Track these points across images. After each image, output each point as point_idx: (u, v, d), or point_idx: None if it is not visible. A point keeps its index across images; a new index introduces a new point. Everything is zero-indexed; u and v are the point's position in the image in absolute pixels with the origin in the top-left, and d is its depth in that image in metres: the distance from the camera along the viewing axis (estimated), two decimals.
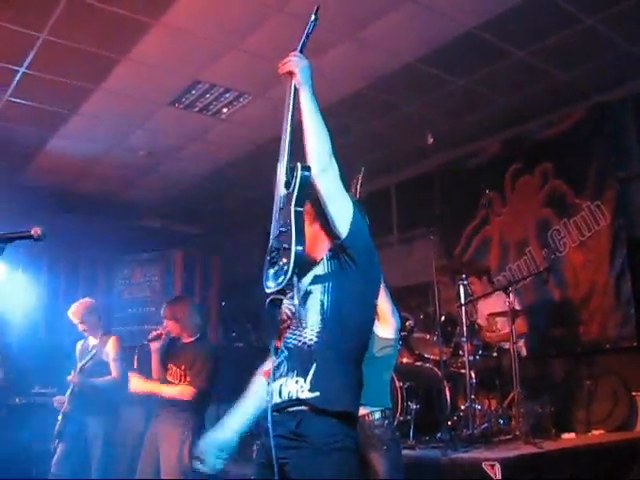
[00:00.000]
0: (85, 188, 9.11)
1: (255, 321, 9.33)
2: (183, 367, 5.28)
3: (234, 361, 8.85)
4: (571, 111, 7.21)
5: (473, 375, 6.00)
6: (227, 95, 6.88)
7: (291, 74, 2.73)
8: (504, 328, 6.34)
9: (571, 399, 6.64)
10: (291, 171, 2.56)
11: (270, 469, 2.46)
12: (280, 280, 2.43)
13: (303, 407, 2.42)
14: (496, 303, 6.41)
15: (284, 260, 2.44)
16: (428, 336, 6.33)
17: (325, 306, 2.51)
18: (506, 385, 6.29)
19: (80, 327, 6.03)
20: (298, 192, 2.52)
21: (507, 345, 6.29)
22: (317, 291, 2.56)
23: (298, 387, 2.45)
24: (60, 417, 5.87)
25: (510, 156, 7.76)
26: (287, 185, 2.57)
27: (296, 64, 2.71)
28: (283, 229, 2.50)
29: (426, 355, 6.26)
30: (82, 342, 6.17)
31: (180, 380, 5.27)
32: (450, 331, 6.31)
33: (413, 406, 5.62)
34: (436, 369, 6.02)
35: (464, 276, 6.17)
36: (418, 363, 6.20)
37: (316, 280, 2.61)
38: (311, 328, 2.52)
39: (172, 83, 6.65)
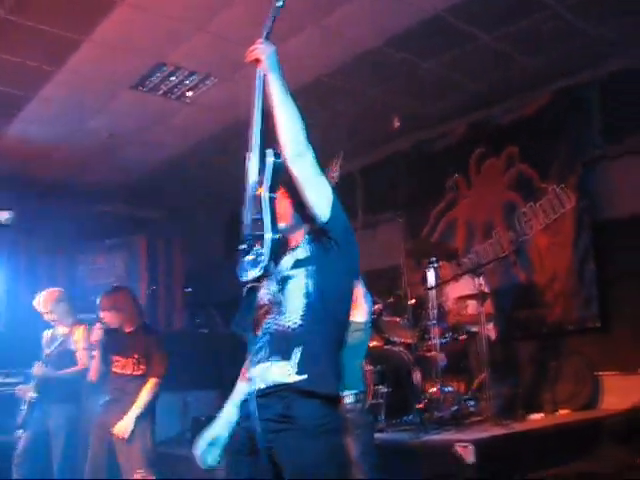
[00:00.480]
0: (45, 173, 8.87)
1: (220, 307, 9.26)
2: (136, 356, 5.24)
3: (199, 347, 8.81)
4: (537, 95, 7.25)
5: (442, 358, 6.04)
6: (192, 78, 6.77)
7: (258, 61, 2.72)
8: (473, 311, 6.38)
9: (538, 380, 6.74)
10: (263, 158, 2.55)
11: (251, 456, 2.44)
12: (257, 268, 2.43)
13: (291, 391, 2.39)
14: (465, 286, 6.45)
15: (259, 248, 2.44)
16: (398, 319, 6.35)
17: (309, 290, 2.49)
18: (474, 368, 6.35)
19: (47, 317, 5.90)
20: (271, 178, 2.52)
21: (475, 328, 6.35)
22: (300, 275, 2.53)
23: (284, 371, 2.43)
24: (25, 406, 5.79)
25: (476, 139, 7.80)
26: (260, 172, 2.55)
27: (262, 51, 2.70)
28: (257, 217, 2.49)
29: (395, 339, 6.27)
30: (50, 331, 6.04)
31: (133, 370, 5.23)
32: (418, 314, 6.34)
33: (383, 389, 5.64)
34: (405, 352, 6.04)
35: (434, 259, 6.19)
36: (387, 347, 6.21)
37: (297, 264, 2.58)
38: (294, 312, 2.49)
39: (135, 65, 6.50)
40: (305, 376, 2.39)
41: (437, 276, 6.25)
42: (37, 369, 5.69)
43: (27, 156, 8.46)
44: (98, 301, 5.41)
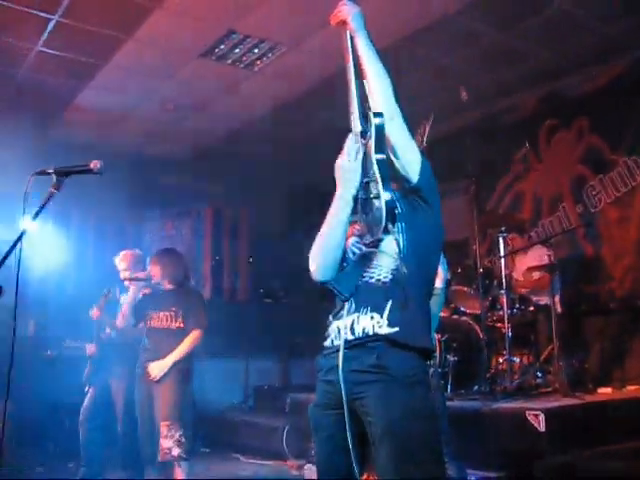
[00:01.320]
0: (114, 142, 9.04)
1: (283, 277, 9.33)
2: (173, 309, 5.24)
3: (262, 317, 8.91)
4: (610, 66, 7.08)
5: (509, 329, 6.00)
6: (261, 46, 6.77)
7: (344, 23, 2.66)
8: (541, 283, 6.31)
9: (606, 355, 6.62)
10: (364, 120, 2.54)
11: (333, 409, 2.46)
12: (375, 230, 2.44)
13: (383, 342, 2.40)
14: (533, 258, 6.38)
15: (375, 208, 2.43)
16: (466, 289, 6.32)
17: (401, 245, 2.50)
18: (541, 340, 6.30)
19: (123, 275, 5.99)
20: (376, 140, 2.48)
21: (542, 300, 6.29)
22: (392, 231, 2.54)
23: (374, 322, 2.43)
24: (88, 363, 6.04)
25: (546, 112, 7.68)
26: (363, 135, 2.53)
27: (348, 12, 2.65)
28: (367, 179, 2.48)
29: (463, 308, 6.25)
30: (124, 295, 6.14)
31: (170, 323, 5.23)
32: (487, 285, 6.30)
33: (451, 358, 5.64)
34: (473, 322, 6.01)
35: (503, 229, 6.14)
36: (455, 316, 6.18)
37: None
38: (385, 267, 2.51)
39: (206, 33, 6.54)
40: (397, 328, 2.40)
41: (505, 247, 6.21)
42: (94, 312, 5.95)
43: (97, 124, 8.62)
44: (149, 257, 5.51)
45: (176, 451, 4.87)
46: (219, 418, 7.97)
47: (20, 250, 2.81)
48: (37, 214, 2.82)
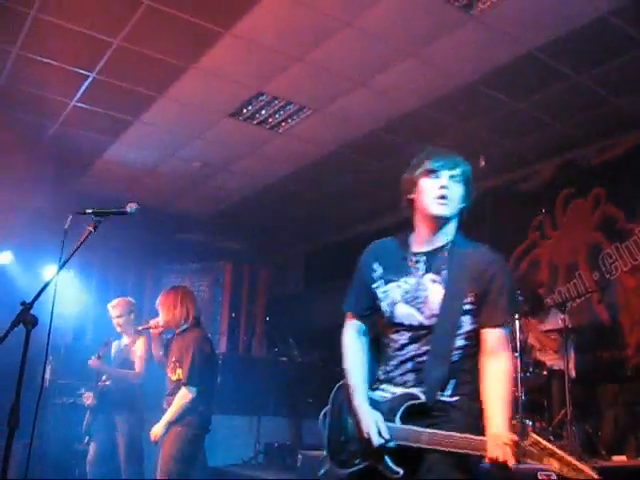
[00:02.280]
0: (137, 197, 9.24)
1: (298, 337, 9.40)
2: (174, 358, 5.05)
3: (276, 375, 8.94)
4: (627, 137, 7.25)
5: (523, 392, 6.01)
6: (288, 108, 7.01)
7: None
8: (556, 348, 6.36)
9: (620, 423, 6.59)
10: None
11: None
12: None
13: None
14: (549, 323, 6.44)
15: None
16: None
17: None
18: (554, 405, 6.29)
19: (116, 321, 6.06)
20: None
21: (557, 366, 6.32)
22: None
23: None
24: (88, 413, 6.00)
25: (563, 181, 7.82)
26: None
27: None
28: None
29: None
30: (117, 341, 6.23)
31: (173, 372, 5.04)
32: None
33: None
34: None
35: (519, 292, 6.21)
36: None
37: None
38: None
39: (236, 94, 6.78)
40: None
41: (520, 312, 6.26)
42: (92, 362, 5.84)
43: (122, 179, 8.88)
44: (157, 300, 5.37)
45: None
46: (230, 474, 7.93)
47: (55, 290, 2.93)
48: (74, 251, 2.95)
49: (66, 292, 8.39)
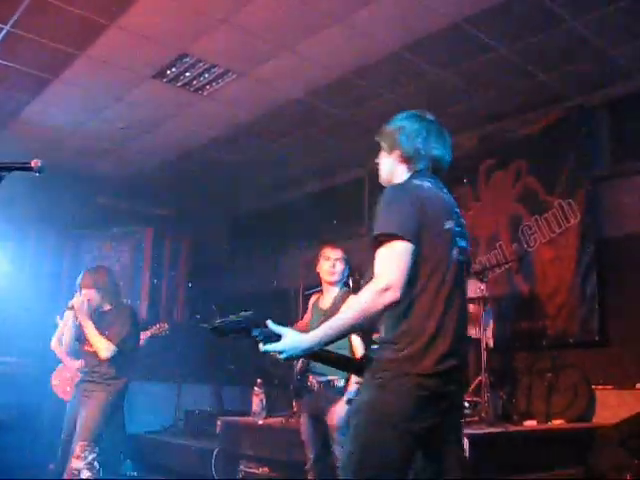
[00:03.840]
0: (56, 160, 8.97)
1: (220, 305, 9.35)
2: (106, 334, 5.06)
3: (196, 342, 8.89)
4: (549, 111, 7.37)
5: None
6: (212, 71, 6.86)
7: None
8: (474, 317, 6.46)
9: (534, 390, 6.77)
10: None
11: None
12: None
13: None
14: (468, 292, 6.53)
15: None
16: None
17: None
18: (470, 373, 6.42)
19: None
20: None
21: (473, 334, 6.43)
22: None
23: None
24: None
25: (485, 152, 7.92)
26: None
27: None
28: None
29: None
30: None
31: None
32: None
33: None
34: None
35: None
36: None
37: None
38: None
39: (159, 54, 6.57)
40: None
41: None
42: None
43: (40, 140, 8.55)
44: (79, 279, 5.30)
45: (85, 474, 4.74)
46: (148, 440, 7.89)
47: None
48: None
49: None
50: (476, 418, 5.78)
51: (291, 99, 7.45)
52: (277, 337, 2.56)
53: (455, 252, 2.67)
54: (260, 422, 6.33)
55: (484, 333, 6.19)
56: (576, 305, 6.85)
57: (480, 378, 6.04)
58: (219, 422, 6.76)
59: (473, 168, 7.97)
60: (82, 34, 6.25)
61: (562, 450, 5.53)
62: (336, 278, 4.82)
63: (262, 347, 2.57)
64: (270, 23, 6.00)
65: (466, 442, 4.65)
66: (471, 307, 6.53)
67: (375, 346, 2.70)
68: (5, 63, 6.77)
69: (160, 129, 8.37)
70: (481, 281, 6.35)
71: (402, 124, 2.95)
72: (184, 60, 6.68)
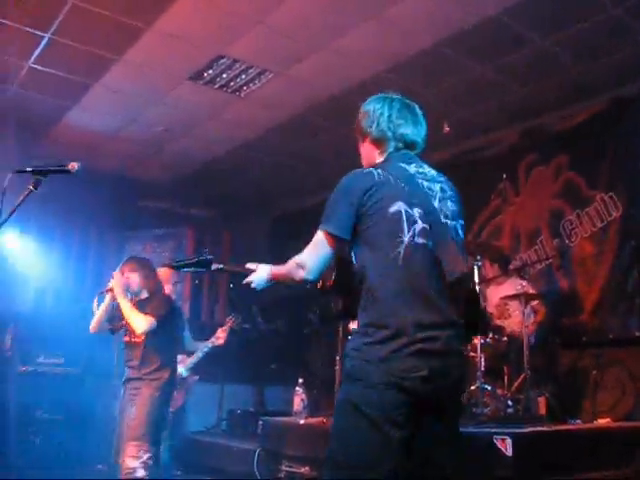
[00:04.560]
0: (98, 164, 9.10)
1: (262, 305, 9.39)
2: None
3: (239, 343, 8.94)
4: (590, 104, 7.25)
5: (482, 358, 6.04)
6: (249, 71, 6.90)
7: None
8: (516, 314, 6.39)
9: (577, 388, 6.67)
10: None
11: None
12: None
13: None
14: (508, 289, 6.47)
15: None
16: None
17: None
18: (513, 371, 6.34)
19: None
20: None
21: (516, 333, 6.36)
22: None
23: None
24: None
25: (526, 147, 7.83)
26: None
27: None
28: None
29: None
30: None
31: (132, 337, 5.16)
32: None
33: None
34: None
35: (478, 257, 6.22)
36: None
37: None
38: None
39: (195, 57, 6.65)
40: None
41: (480, 276, 6.29)
42: None
43: (82, 145, 8.67)
44: (120, 266, 5.33)
45: (141, 473, 4.78)
46: (192, 441, 7.94)
47: None
48: (14, 211, 2.87)
49: (26, 260, 8.31)
50: (520, 418, 5.70)
51: (327, 97, 7.44)
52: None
53: (408, 236, 2.57)
54: (302, 422, 6.33)
55: (525, 330, 6.10)
56: (616, 301, 6.74)
57: (523, 375, 5.96)
58: (261, 422, 6.78)
59: (513, 164, 7.89)
60: (119, 39, 6.35)
61: (610, 450, 5.39)
62: None
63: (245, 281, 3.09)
64: (304, 22, 6.02)
65: (509, 441, 4.61)
66: (512, 304, 6.48)
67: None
68: (47, 70, 6.90)
69: (198, 131, 8.43)
70: (522, 278, 6.28)
71: (366, 109, 2.94)
72: (220, 62, 6.74)
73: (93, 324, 5.35)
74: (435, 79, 7.06)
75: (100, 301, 5.43)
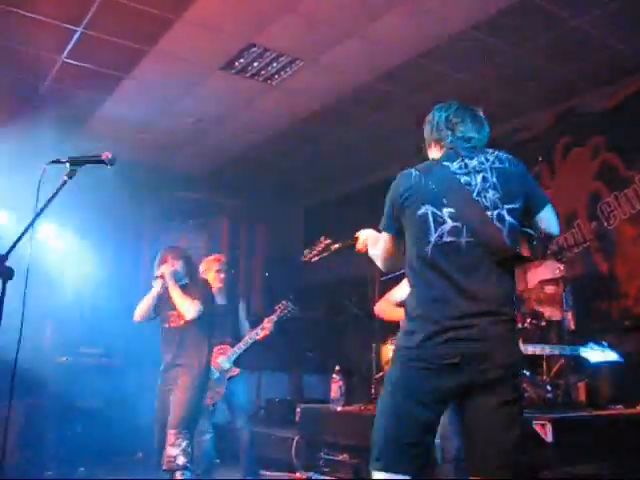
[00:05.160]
0: (133, 155, 9.15)
1: (298, 293, 9.39)
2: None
3: (278, 331, 8.95)
4: (626, 83, 7.10)
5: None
6: (281, 60, 6.87)
7: None
8: (553, 298, 6.31)
9: (619, 373, 6.55)
10: None
11: None
12: None
13: None
14: (544, 272, 6.38)
15: None
16: None
17: None
18: (552, 356, 6.27)
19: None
20: None
21: (555, 316, 6.28)
22: None
23: None
24: None
25: (562, 129, 7.71)
26: None
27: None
28: None
29: None
30: None
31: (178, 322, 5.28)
32: None
33: None
34: None
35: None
36: None
37: None
38: None
39: (226, 46, 6.64)
40: None
41: None
42: None
43: (117, 136, 8.70)
44: (161, 255, 5.47)
45: (181, 460, 4.88)
46: (230, 429, 7.99)
47: (32, 238, 2.89)
48: (50, 200, 2.90)
49: (64, 251, 8.41)
50: (560, 403, 5.64)
51: (358, 84, 7.39)
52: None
53: (435, 236, 2.77)
54: (339, 409, 6.35)
55: (565, 314, 6.03)
56: None
57: (562, 361, 5.89)
58: (299, 410, 6.80)
59: (550, 146, 7.78)
60: (150, 30, 6.37)
61: None
62: None
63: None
64: (335, 8, 5.97)
65: (549, 426, 4.58)
66: (550, 288, 6.39)
67: None
68: (80, 64, 6.95)
69: (231, 121, 8.44)
70: (559, 261, 6.19)
71: (428, 119, 3.18)
72: (251, 50, 6.72)
73: (140, 312, 5.43)
74: (468, 63, 6.96)
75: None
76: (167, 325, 5.32)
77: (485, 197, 2.80)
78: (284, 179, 10.35)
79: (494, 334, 2.66)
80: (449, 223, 2.76)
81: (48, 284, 7.57)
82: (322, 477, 6.23)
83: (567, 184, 7.60)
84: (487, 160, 2.91)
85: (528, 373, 5.93)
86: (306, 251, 3.89)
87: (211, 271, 6.30)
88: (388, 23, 6.16)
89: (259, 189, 10.56)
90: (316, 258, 3.79)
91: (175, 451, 4.88)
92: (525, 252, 2.96)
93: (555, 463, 4.60)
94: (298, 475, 6.54)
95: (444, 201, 2.79)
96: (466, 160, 2.90)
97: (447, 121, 3.04)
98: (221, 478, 5.90)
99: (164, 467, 4.91)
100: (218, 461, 7.14)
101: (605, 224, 7.13)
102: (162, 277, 5.31)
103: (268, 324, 6.32)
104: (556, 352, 5.65)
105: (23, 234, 2.80)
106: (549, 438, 4.58)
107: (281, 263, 10.01)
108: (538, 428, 4.62)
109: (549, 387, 5.88)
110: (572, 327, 6.44)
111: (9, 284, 2.71)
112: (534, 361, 6.27)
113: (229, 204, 10.63)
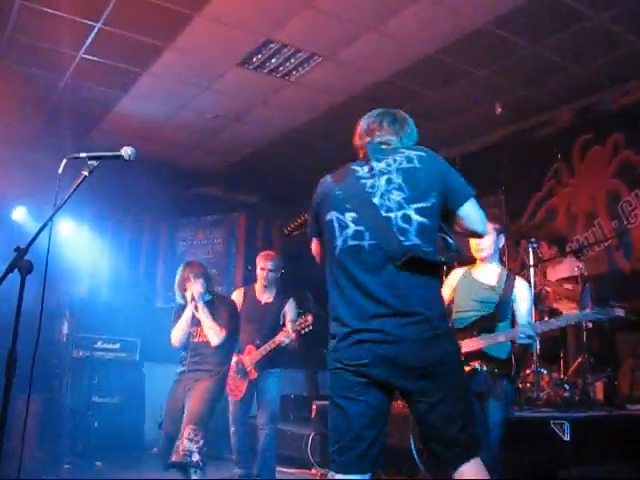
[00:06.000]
0: (150, 151, 9.18)
1: (314, 290, 9.37)
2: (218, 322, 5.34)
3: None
4: None
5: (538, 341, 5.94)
6: (298, 55, 6.84)
7: None
8: (573, 296, 6.26)
9: (637, 373, 6.51)
10: None
11: None
12: None
13: None
14: (565, 270, 6.34)
15: None
16: None
17: None
18: (570, 355, 6.23)
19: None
20: None
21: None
22: None
23: None
24: None
25: (581, 127, 7.65)
26: None
27: None
28: None
29: None
30: None
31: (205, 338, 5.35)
32: None
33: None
34: None
35: (534, 239, 6.12)
36: None
37: None
38: None
39: (244, 42, 6.62)
40: None
41: (537, 257, 6.18)
42: None
43: (134, 133, 8.74)
44: (183, 272, 5.46)
45: (196, 457, 4.88)
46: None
47: (50, 233, 2.90)
48: (70, 196, 2.90)
49: (82, 246, 8.45)
50: (577, 402, 5.60)
51: (376, 80, 7.36)
52: None
53: (340, 241, 2.82)
54: None
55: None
56: None
57: (580, 360, 5.85)
58: (314, 406, 6.80)
59: (568, 144, 7.73)
60: (168, 26, 6.36)
61: None
62: (485, 254, 4.65)
63: None
64: (353, 4, 5.95)
65: (567, 426, 4.54)
66: (569, 286, 6.35)
67: None
68: (98, 60, 6.95)
69: (249, 117, 8.42)
70: (579, 259, 6.14)
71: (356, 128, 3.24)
72: (269, 46, 6.70)
73: (177, 337, 5.44)
74: (486, 60, 6.91)
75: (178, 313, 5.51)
76: (192, 340, 5.39)
77: (389, 199, 2.79)
78: (301, 175, 10.31)
79: (403, 336, 2.64)
80: (352, 227, 2.81)
81: (65, 279, 7.61)
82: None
83: (586, 182, 7.54)
84: (395, 161, 2.88)
85: (545, 371, 5.90)
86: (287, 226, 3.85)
87: (258, 266, 6.32)
88: (407, 19, 6.13)
89: (277, 185, 10.55)
90: (296, 232, 3.88)
91: (192, 447, 4.88)
92: (442, 252, 2.90)
93: (573, 463, 4.57)
94: (313, 472, 6.54)
95: (347, 206, 2.84)
96: (373, 163, 2.90)
97: (367, 128, 3.12)
98: (235, 479, 5.87)
99: (174, 459, 4.88)
100: (234, 457, 7.17)
101: (625, 223, 7.06)
102: (193, 299, 5.34)
103: (284, 337, 6.07)
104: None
105: (42, 229, 2.80)
106: (567, 437, 4.55)
107: (297, 260, 9.99)
108: (556, 428, 4.58)
109: (567, 386, 5.85)
110: (590, 326, 6.39)
111: (27, 279, 2.72)
112: (552, 359, 6.26)
113: (246, 200, 10.64)
